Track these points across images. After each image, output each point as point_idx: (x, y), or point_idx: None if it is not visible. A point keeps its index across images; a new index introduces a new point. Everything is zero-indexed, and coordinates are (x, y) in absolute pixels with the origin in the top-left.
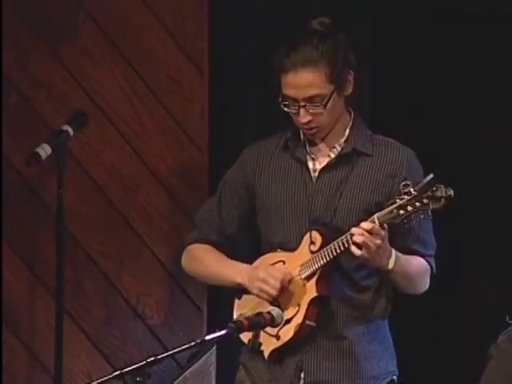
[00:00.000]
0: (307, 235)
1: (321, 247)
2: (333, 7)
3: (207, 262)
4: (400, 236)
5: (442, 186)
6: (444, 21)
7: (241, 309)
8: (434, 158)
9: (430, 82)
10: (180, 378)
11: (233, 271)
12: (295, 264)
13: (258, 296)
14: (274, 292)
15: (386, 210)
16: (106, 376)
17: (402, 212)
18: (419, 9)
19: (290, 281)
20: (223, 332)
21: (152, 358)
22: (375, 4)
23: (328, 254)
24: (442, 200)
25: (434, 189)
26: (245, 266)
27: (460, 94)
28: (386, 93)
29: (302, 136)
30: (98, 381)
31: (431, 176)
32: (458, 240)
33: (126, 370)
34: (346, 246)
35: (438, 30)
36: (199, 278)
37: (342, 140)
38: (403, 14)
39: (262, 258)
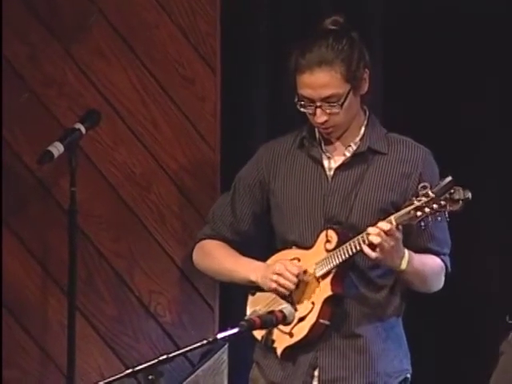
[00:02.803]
0: (323, 234)
1: (336, 246)
2: (345, 5)
3: (220, 258)
4: (414, 234)
5: (460, 189)
6: (458, 19)
7: (254, 305)
8: (447, 156)
9: (443, 79)
10: (192, 376)
11: (246, 268)
12: (310, 262)
13: (273, 291)
14: (290, 285)
15: (404, 211)
16: (118, 374)
17: (419, 213)
18: (431, 6)
19: (305, 278)
20: (235, 330)
21: (164, 357)
22: (387, 1)
23: (344, 253)
24: (460, 202)
25: (452, 191)
26: (259, 263)
27: (474, 91)
28: (399, 91)
29: (317, 134)
30: (110, 379)
31: (449, 178)
32: (470, 238)
33: (138, 368)
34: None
35: (452, 28)
36: (211, 274)
37: (358, 139)
38: (416, 11)
39: (276, 254)
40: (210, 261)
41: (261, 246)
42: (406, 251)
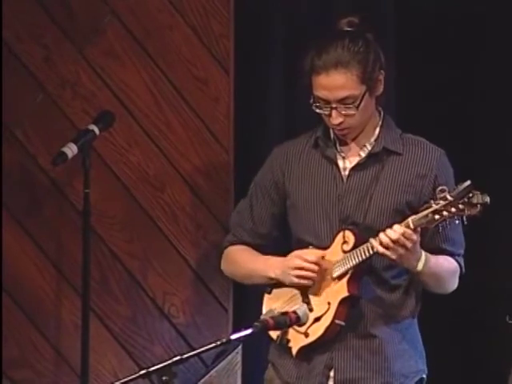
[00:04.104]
0: (340, 234)
1: (353, 247)
2: (358, 6)
3: (241, 262)
4: (429, 235)
5: (479, 193)
6: (471, 18)
7: (271, 304)
8: (460, 156)
9: (456, 79)
10: (206, 377)
11: (264, 266)
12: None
13: (295, 284)
14: (313, 275)
15: (421, 214)
16: (131, 375)
17: (437, 217)
18: (445, 7)
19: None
20: (249, 331)
21: (178, 357)
22: (399, 2)
23: (361, 254)
24: (478, 207)
25: (471, 195)
26: (275, 258)
27: (489, 91)
28: (412, 91)
29: (332, 135)
30: (124, 380)
31: (468, 182)
32: (484, 238)
33: (152, 368)
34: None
35: (466, 28)
36: (237, 279)
37: (373, 139)
38: (428, 11)
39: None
40: (234, 266)
41: (276, 245)
42: (423, 253)
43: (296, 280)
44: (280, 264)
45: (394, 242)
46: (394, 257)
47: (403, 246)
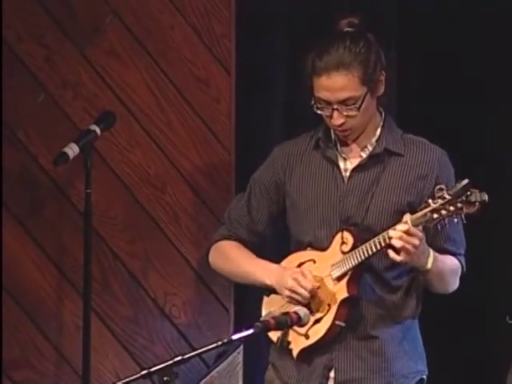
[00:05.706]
0: (339, 235)
1: (352, 248)
2: (358, 6)
3: (236, 259)
4: (431, 235)
5: (477, 191)
6: (471, 19)
7: (269, 306)
8: (460, 156)
9: (457, 80)
10: (207, 377)
11: (262, 272)
12: (326, 264)
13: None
14: (303, 301)
15: (420, 213)
16: (133, 375)
17: (435, 216)
18: (445, 7)
19: (321, 282)
20: (250, 331)
21: (179, 358)
22: (401, 3)
23: (360, 254)
24: (477, 205)
25: (469, 193)
26: (274, 266)
27: (488, 91)
28: (412, 91)
29: (333, 136)
30: (126, 380)
31: (466, 181)
32: (484, 239)
33: (153, 369)
34: (379, 247)
35: (465, 28)
36: (226, 275)
37: (374, 140)
38: (429, 11)
39: (292, 256)
40: (226, 262)
41: (274, 245)
42: (431, 251)
43: (287, 299)
44: (278, 273)
45: (404, 239)
46: (405, 259)
47: (411, 244)
